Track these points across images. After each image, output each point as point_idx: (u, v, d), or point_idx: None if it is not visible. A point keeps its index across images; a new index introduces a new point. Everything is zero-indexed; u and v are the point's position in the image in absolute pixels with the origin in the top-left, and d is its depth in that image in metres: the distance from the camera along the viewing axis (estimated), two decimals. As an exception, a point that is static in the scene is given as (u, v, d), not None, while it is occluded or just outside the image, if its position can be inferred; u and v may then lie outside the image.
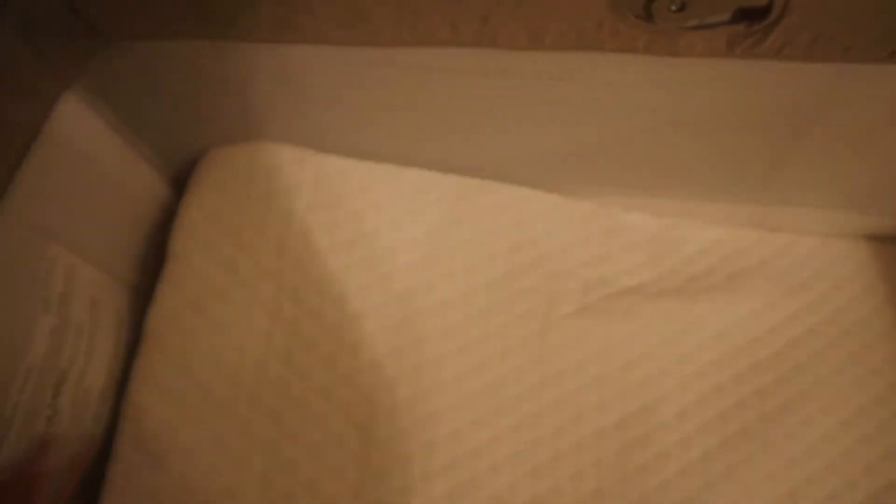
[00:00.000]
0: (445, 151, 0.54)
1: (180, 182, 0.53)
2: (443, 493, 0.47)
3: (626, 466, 0.49)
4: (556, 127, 0.49)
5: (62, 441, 0.39)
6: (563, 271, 0.54)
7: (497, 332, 0.52)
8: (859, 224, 0.57)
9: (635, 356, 0.52)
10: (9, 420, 0.36)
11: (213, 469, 0.43)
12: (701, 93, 0.44)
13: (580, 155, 0.52)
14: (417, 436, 0.49)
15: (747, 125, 0.47)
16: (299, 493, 0.46)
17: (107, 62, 0.43)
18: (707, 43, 0.39)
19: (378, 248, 0.53)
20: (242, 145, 0.52)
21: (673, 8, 0.36)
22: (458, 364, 0.51)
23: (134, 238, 0.50)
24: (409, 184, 0.55)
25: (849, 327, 0.54)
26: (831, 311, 0.54)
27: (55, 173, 0.40)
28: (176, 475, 0.42)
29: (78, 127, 0.42)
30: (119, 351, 0.45)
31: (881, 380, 0.52)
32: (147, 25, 0.41)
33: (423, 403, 0.50)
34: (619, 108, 0.46)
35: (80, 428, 0.41)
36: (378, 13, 0.39)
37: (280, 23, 0.40)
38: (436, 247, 0.54)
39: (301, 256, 0.51)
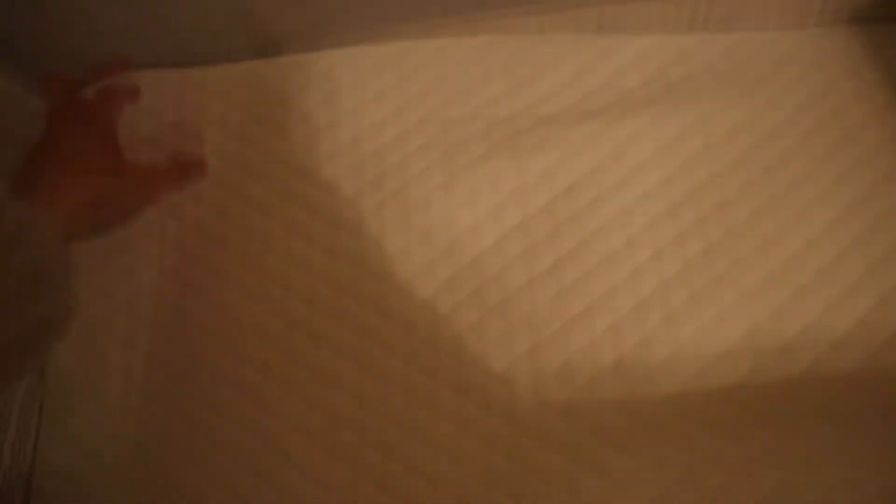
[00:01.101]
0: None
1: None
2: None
3: (564, 315, 0.40)
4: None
5: None
6: (462, 117, 0.46)
7: (394, 197, 0.44)
8: (825, 6, 0.47)
9: (561, 190, 0.43)
10: None
11: None
12: None
13: None
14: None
15: None
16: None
17: None
18: None
19: (255, 138, 0.47)
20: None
21: None
22: (351, 233, 0.43)
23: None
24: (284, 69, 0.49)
25: (822, 119, 0.44)
26: (799, 103, 0.44)
27: None
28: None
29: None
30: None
31: (870, 172, 0.42)
32: None
33: (329, 258, 0.43)
34: None
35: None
36: None
37: None
38: (316, 126, 0.47)
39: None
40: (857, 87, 0.45)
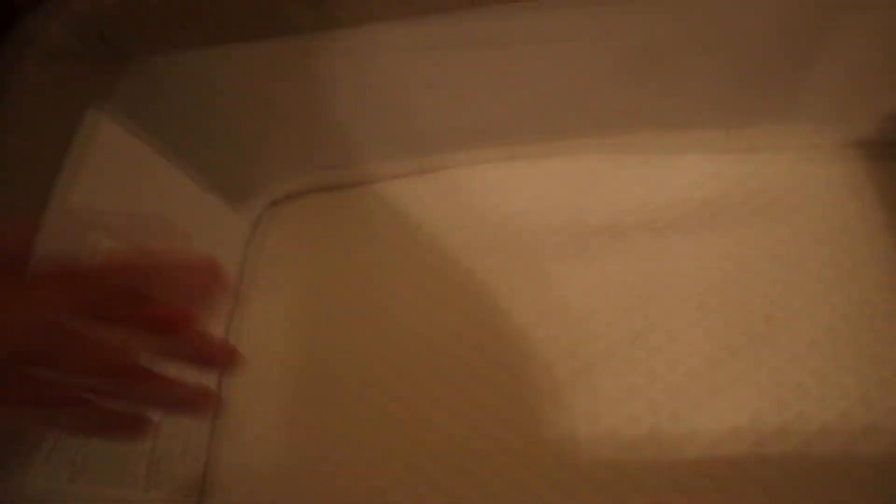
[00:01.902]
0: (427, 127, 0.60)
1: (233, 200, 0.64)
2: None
3: (618, 389, 0.53)
4: (539, 75, 0.54)
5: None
6: (540, 227, 0.60)
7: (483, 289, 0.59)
8: (837, 133, 0.59)
9: (622, 289, 0.56)
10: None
11: None
12: (672, 23, 0.48)
13: (556, 101, 0.56)
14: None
15: (707, 50, 0.51)
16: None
17: (133, 79, 0.50)
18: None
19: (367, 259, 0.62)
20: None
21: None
22: (451, 324, 0.57)
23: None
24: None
25: (834, 236, 0.56)
26: (814, 220, 0.57)
27: (96, 175, 0.47)
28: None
29: (111, 137, 0.50)
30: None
31: (860, 282, 0.54)
32: (164, 38, 0.48)
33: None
34: (601, 42, 0.50)
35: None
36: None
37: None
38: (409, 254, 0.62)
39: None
40: (860, 207, 0.57)
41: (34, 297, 0.26)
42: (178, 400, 0.32)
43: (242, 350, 0.35)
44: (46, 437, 0.39)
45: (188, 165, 0.58)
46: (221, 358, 0.34)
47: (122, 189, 0.51)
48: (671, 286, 0.56)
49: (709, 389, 0.52)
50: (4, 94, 0.44)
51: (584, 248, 0.58)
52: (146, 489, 0.48)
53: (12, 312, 0.25)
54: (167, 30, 0.49)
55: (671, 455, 0.50)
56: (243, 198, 0.65)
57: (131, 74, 0.50)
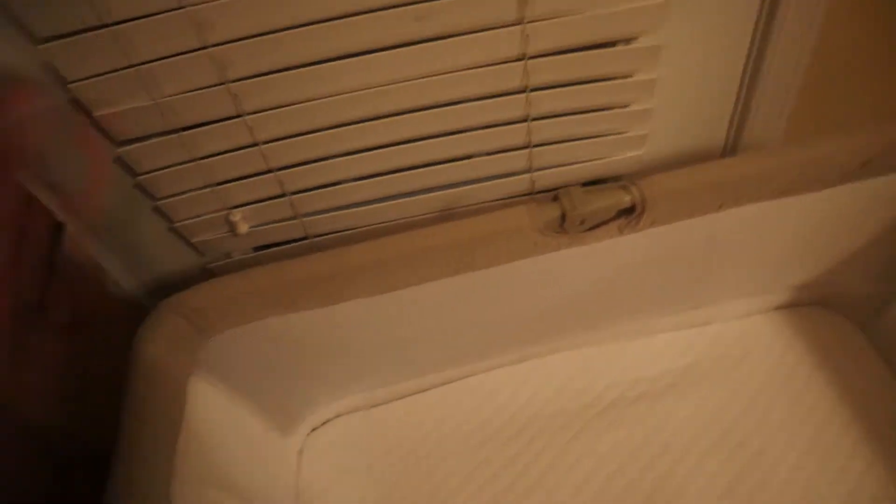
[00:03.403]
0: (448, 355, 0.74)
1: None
2: None
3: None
4: (528, 303, 0.69)
5: None
6: (560, 410, 0.73)
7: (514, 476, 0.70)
8: (765, 302, 0.77)
9: (630, 454, 0.69)
10: None
11: None
12: (614, 259, 0.64)
13: (547, 318, 0.71)
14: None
15: (658, 269, 0.67)
16: None
17: (214, 350, 0.61)
18: (606, 233, 0.60)
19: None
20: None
21: (577, 222, 0.57)
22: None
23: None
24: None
25: (781, 381, 0.72)
26: (769, 372, 0.73)
27: (199, 439, 0.57)
28: None
29: (206, 405, 0.60)
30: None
31: (816, 415, 0.70)
32: (232, 318, 0.60)
33: None
34: (566, 283, 0.66)
35: None
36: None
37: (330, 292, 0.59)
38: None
39: None
40: (796, 357, 0.73)
41: None
42: None
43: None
44: None
45: (255, 405, 0.68)
46: None
47: (215, 437, 0.60)
48: (671, 443, 0.69)
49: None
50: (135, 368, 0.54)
51: (590, 422, 0.72)
52: None
53: None
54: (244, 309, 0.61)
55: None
56: (292, 427, 0.75)
57: (216, 343, 0.61)
